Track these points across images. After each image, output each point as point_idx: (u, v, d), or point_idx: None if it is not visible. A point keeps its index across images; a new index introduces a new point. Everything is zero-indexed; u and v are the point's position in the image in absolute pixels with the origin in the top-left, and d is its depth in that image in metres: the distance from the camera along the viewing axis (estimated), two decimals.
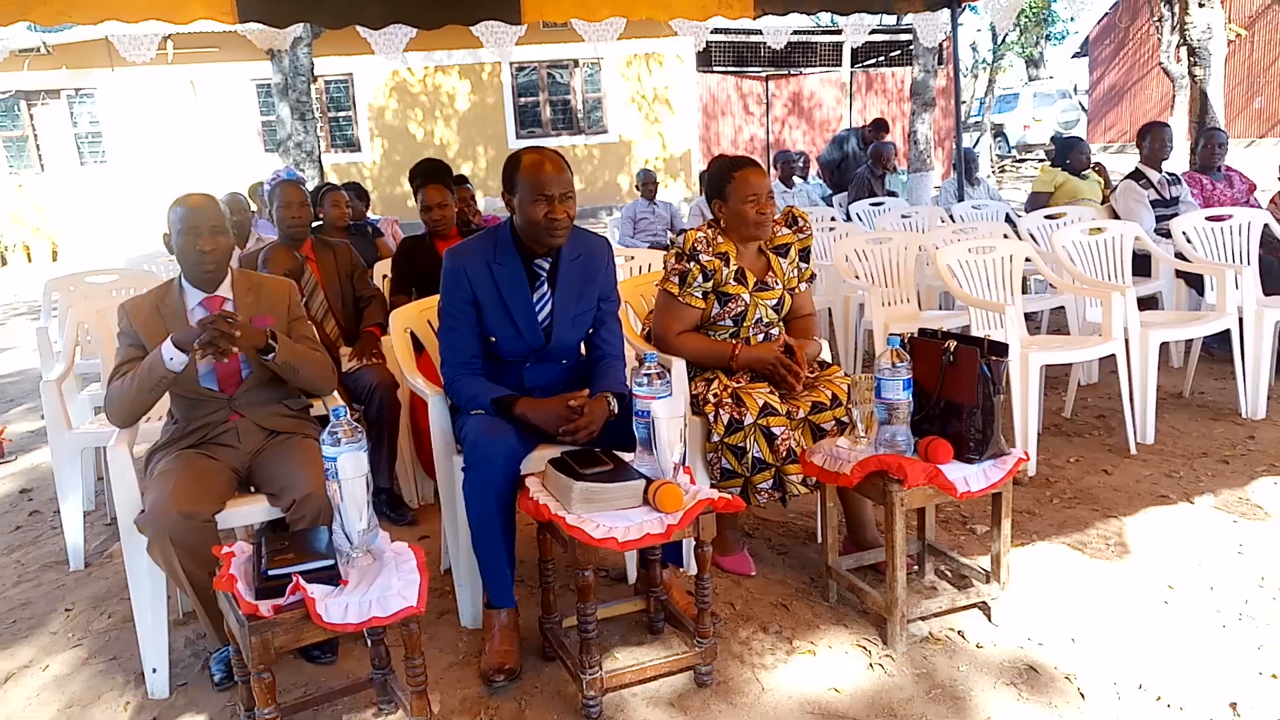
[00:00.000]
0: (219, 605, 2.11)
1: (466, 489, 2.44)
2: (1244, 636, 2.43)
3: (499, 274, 2.56)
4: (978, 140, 18.60)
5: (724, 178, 2.90)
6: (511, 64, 16.26)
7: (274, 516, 2.46)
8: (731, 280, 2.91)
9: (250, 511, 2.46)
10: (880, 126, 9.01)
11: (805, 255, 3.07)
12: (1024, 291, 5.36)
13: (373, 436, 3.56)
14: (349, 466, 1.98)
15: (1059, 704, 2.21)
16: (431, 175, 4.03)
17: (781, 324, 3.05)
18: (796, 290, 3.05)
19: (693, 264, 2.88)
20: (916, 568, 2.87)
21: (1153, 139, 5.36)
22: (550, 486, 2.34)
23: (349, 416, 2.05)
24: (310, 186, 7.88)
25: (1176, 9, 8.82)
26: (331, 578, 1.91)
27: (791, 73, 18.26)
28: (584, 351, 2.78)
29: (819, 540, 3.01)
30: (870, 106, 18.81)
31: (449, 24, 5.79)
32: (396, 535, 3.42)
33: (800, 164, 8.67)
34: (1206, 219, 4.57)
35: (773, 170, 8.36)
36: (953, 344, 2.45)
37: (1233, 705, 2.15)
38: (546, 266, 2.61)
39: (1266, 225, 4.53)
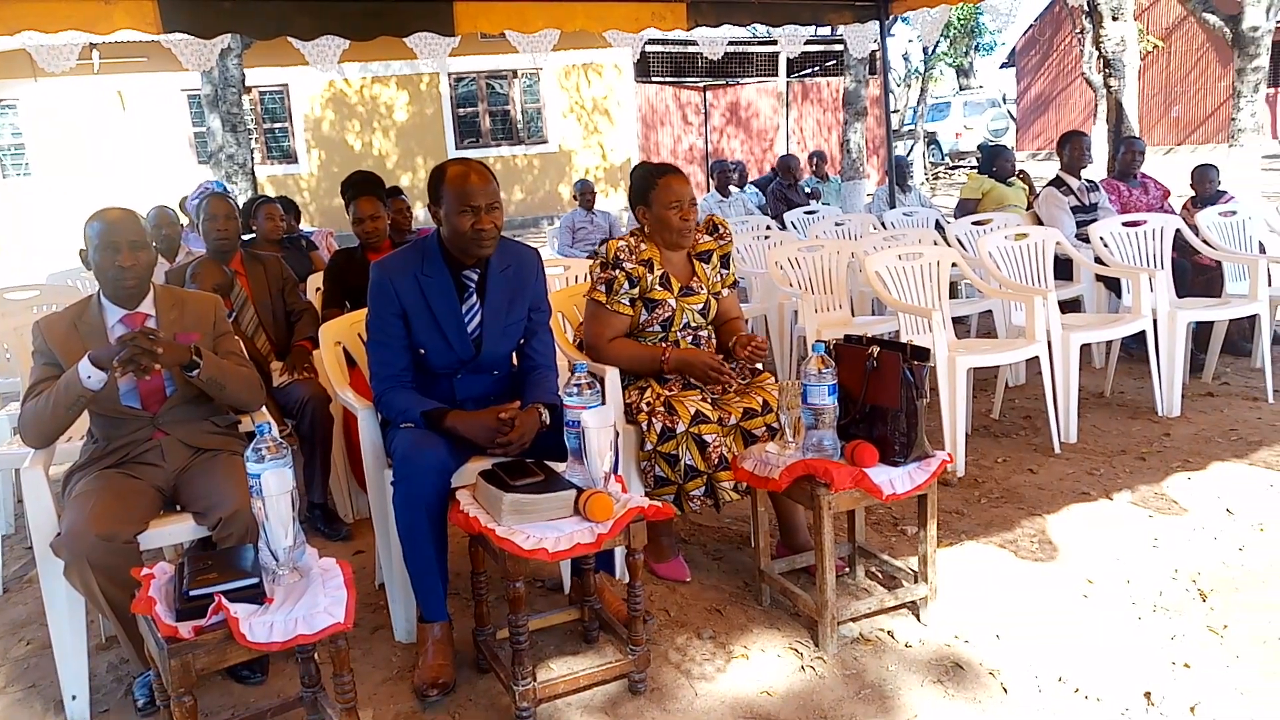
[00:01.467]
0: (140, 628, 2.07)
1: (396, 503, 2.42)
2: (1158, 628, 2.52)
3: (427, 286, 2.55)
4: (911, 148, 18.99)
5: (648, 184, 2.95)
6: (449, 74, 16.18)
7: (200, 535, 2.41)
8: (657, 285, 2.95)
9: (175, 531, 2.41)
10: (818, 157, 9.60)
11: (726, 261, 3.12)
12: (954, 296, 5.49)
13: (305, 451, 3.52)
14: (273, 483, 1.96)
15: (983, 699, 2.27)
16: (363, 187, 4.00)
17: (710, 328, 3.09)
18: (720, 294, 3.10)
19: (618, 271, 2.92)
20: (848, 570, 2.92)
21: (1072, 148, 5.54)
22: (481, 499, 2.34)
23: (275, 432, 2.03)
24: (243, 199, 7.77)
25: (1093, 22, 9.16)
26: (256, 596, 1.88)
27: (729, 83, 18.47)
28: (515, 362, 2.78)
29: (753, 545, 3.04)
30: (806, 115, 19.10)
31: (382, 35, 5.74)
32: (331, 550, 3.40)
33: (736, 173, 8.77)
34: (1123, 224, 4.73)
35: (710, 179, 8.46)
36: (876, 350, 2.51)
37: (1147, 695, 2.23)
38: (475, 277, 2.61)
39: (1179, 230, 4.71)
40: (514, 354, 2.76)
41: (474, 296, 2.61)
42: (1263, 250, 4.99)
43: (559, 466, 2.40)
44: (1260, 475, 3.50)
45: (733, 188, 8.43)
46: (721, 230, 3.11)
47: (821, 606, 2.49)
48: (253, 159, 9.86)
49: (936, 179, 19.78)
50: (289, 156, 15.97)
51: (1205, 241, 4.75)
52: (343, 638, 1.97)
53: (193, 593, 1.84)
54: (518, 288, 2.67)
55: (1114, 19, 8.92)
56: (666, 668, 2.48)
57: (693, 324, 3.01)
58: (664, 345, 2.97)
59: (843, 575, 2.89)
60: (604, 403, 2.35)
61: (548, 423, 2.53)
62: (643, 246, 2.97)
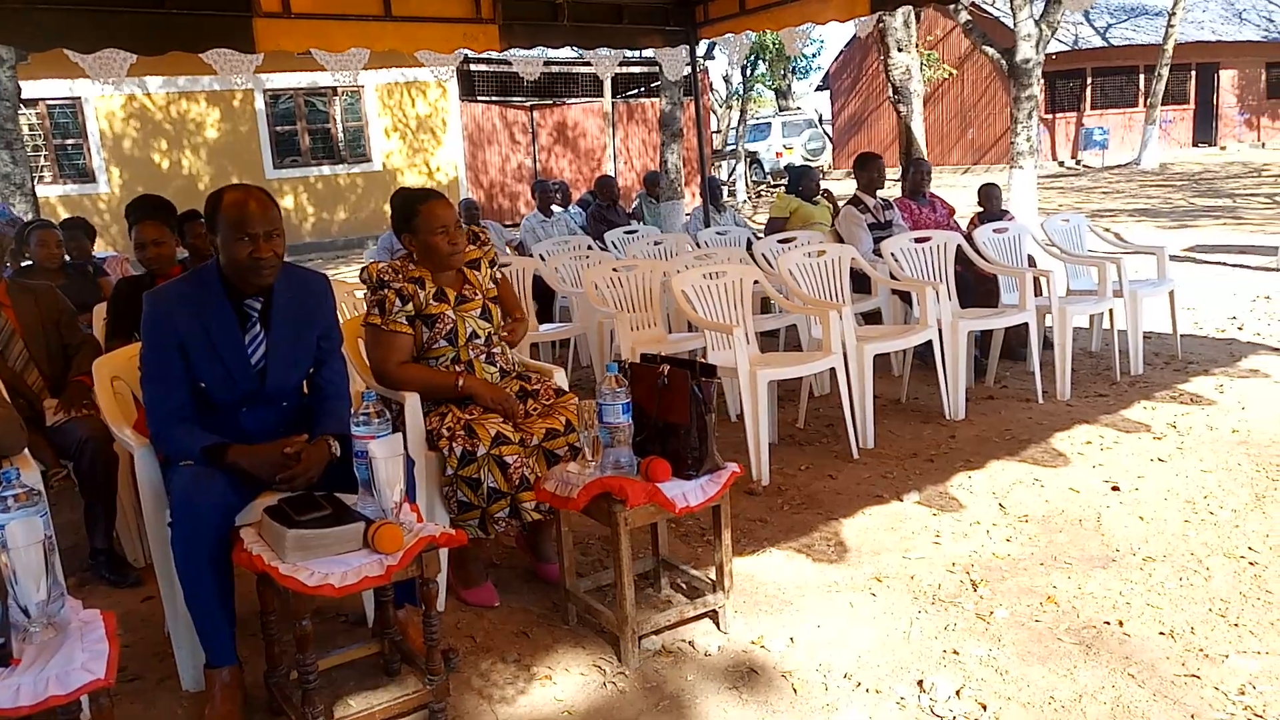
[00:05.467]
0: None
1: (175, 545, 2.30)
2: (934, 620, 2.70)
3: (205, 316, 2.44)
4: (733, 168, 19.65)
5: (410, 211, 2.97)
6: (265, 91, 15.56)
7: None
8: (431, 300, 2.98)
9: None
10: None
11: (494, 263, 3.19)
12: (767, 311, 5.71)
13: (86, 494, 3.30)
14: (21, 534, 1.82)
15: (774, 701, 2.36)
16: (145, 212, 3.78)
17: (503, 343, 3.10)
18: (495, 298, 3.14)
19: (385, 291, 2.94)
20: (651, 583, 2.97)
21: (868, 168, 5.88)
22: (266, 536, 2.25)
23: (22, 478, 1.89)
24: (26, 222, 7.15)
25: (883, 51, 9.82)
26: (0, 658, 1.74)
27: (555, 103, 18.58)
28: (306, 392, 2.69)
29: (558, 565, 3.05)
30: (632, 135, 19.45)
31: (174, 50, 5.45)
32: (118, 598, 3.20)
33: (559, 193, 8.82)
34: (913, 240, 5.06)
35: (534, 197, 8.49)
36: (666, 368, 2.58)
37: (919, 683, 2.38)
38: (259, 306, 2.51)
39: (960, 245, 5.08)
40: (305, 384, 2.67)
41: (257, 326, 2.51)
42: (1031, 263, 5.45)
43: (350, 498, 2.34)
44: (1028, 471, 3.81)
45: (555, 207, 8.47)
46: (482, 237, 3.19)
47: (622, 621, 2.53)
48: (33, 178, 9.09)
49: (759, 197, 20.55)
50: (84, 175, 14.90)
51: (982, 256, 5.14)
52: (105, 694, 1.84)
53: None
54: (305, 316, 2.58)
55: (899, 50, 9.58)
56: (469, 694, 2.45)
57: (479, 334, 3.03)
58: (459, 372, 2.96)
59: (646, 589, 2.94)
60: (394, 431, 2.31)
61: (338, 454, 2.46)
62: (411, 267, 3.00)
